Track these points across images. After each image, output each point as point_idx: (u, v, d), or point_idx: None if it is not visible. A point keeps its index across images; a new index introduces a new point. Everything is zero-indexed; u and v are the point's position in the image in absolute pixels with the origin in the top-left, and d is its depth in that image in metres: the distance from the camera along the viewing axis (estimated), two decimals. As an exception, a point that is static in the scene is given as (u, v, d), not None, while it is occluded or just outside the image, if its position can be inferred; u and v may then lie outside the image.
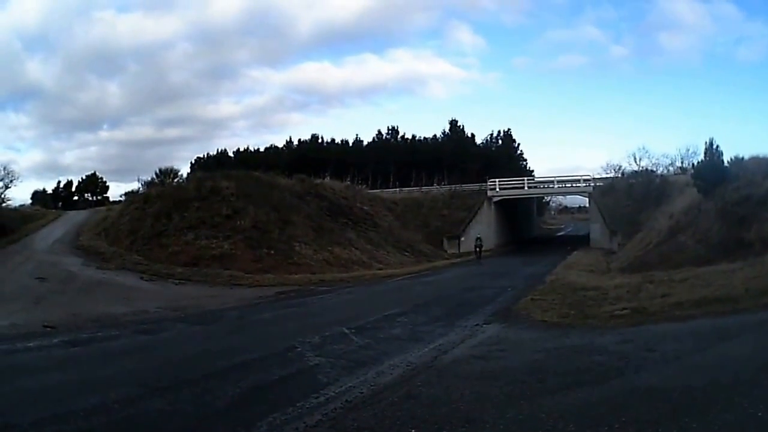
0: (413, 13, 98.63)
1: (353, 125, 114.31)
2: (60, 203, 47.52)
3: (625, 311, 8.91)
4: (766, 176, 15.87)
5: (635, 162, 35.54)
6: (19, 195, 51.50)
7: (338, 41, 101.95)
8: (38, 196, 48.90)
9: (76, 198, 51.40)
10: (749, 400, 4.19)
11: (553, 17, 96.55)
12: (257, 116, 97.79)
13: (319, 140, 54.48)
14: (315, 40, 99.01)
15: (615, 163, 37.74)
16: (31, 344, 8.16)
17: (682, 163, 33.92)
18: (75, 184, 53.14)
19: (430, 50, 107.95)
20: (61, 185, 52.91)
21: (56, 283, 14.98)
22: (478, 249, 27.74)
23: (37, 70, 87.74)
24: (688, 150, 33.73)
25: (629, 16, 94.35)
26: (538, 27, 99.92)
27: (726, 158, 18.67)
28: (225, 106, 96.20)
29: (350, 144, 53.87)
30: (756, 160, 18.50)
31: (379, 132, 53.90)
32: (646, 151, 41.51)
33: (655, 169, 33.97)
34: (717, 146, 18.78)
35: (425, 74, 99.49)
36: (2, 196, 31.62)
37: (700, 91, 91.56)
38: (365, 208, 29.33)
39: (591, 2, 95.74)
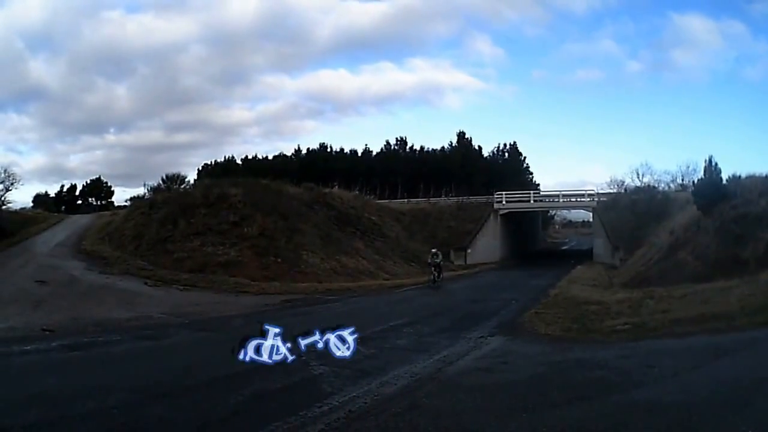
0: (433, 22, 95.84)
1: (366, 134, 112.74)
2: (63, 207, 47.24)
3: (626, 326, 8.97)
4: (762, 195, 15.94)
5: (638, 178, 35.78)
6: (21, 198, 50.84)
7: (356, 48, 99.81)
8: (40, 199, 48.57)
9: (79, 202, 51.24)
10: (740, 418, 4.27)
11: (572, 30, 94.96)
12: (270, 123, 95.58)
13: (328, 149, 54.72)
14: (332, 47, 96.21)
15: (619, 179, 37.94)
16: (28, 347, 7.97)
17: (682, 180, 34.13)
18: (79, 188, 53.14)
19: (449, 60, 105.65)
20: (65, 189, 52.83)
21: (57, 286, 14.82)
22: (434, 269, 19.45)
23: (41, 70, 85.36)
24: (688, 167, 33.99)
25: (646, 31, 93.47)
26: (558, 39, 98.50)
27: (725, 176, 18.70)
28: (237, 112, 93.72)
29: (359, 154, 54.12)
30: (752, 179, 18.51)
31: (388, 143, 54.24)
32: (649, 168, 41.72)
33: (657, 186, 34.16)
34: (716, 164, 18.81)
35: (443, 84, 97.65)
36: (2, 198, 31.19)
37: (701, 108, 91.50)
38: (373, 218, 29.39)
39: (610, 15, 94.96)
